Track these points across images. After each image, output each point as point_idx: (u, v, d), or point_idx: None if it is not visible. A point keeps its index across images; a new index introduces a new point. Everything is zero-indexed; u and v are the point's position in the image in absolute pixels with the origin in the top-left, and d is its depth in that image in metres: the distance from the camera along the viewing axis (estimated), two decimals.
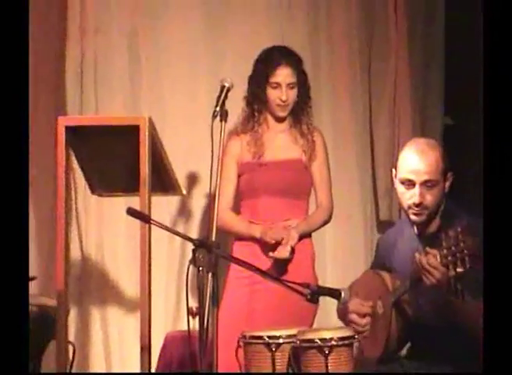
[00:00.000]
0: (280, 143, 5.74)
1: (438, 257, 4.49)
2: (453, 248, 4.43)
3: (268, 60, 5.70)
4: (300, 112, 5.74)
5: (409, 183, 4.84)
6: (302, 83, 5.71)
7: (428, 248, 4.61)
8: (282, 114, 5.71)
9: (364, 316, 4.91)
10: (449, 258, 4.45)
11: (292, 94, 5.68)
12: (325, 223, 5.75)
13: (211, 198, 5.08)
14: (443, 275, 4.51)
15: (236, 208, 5.76)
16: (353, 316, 4.95)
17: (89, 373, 5.02)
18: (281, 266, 5.56)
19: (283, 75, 5.65)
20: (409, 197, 4.84)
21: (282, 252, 5.54)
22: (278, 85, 5.66)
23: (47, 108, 6.60)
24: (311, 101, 5.77)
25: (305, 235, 5.67)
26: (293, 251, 5.56)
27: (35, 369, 5.88)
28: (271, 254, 5.55)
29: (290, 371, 4.76)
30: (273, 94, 5.67)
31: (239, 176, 5.74)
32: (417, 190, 4.82)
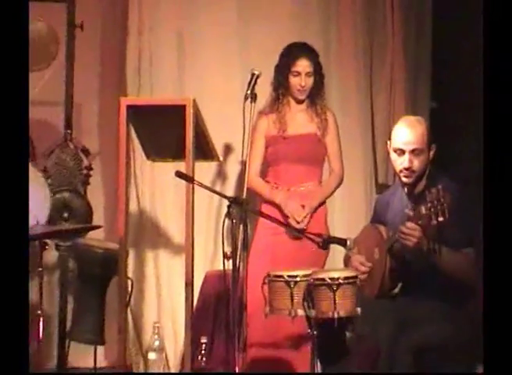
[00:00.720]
0: (299, 120, 5.77)
1: (423, 209, 4.52)
2: (435, 202, 4.49)
3: (290, 53, 5.72)
4: (315, 96, 5.77)
5: (400, 152, 4.88)
6: (317, 73, 5.74)
7: (408, 211, 4.64)
8: (301, 97, 5.72)
9: (362, 273, 4.90)
10: (432, 209, 4.50)
11: (309, 81, 5.69)
12: (338, 186, 5.80)
13: (243, 165, 5.07)
14: (421, 235, 4.57)
15: (264, 174, 5.76)
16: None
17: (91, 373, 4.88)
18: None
19: (302, 65, 5.66)
20: (400, 162, 4.88)
21: (298, 225, 5.61)
22: (298, 73, 5.67)
23: (112, 92, 6.59)
24: (324, 87, 5.78)
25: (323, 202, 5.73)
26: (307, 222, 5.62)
27: (101, 300, 5.90)
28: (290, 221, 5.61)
29: (305, 304, 4.76)
30: (294, 81, 5.68)
31: (266, 147, 5.77)
32: (406, 156, 4.86)
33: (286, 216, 5.62)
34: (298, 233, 5.09)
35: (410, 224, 4.63)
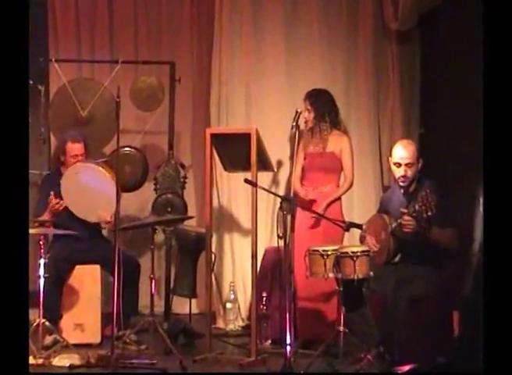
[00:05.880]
0: (323, 143, 5.60)
1: (417, 206, 4.53)
2: (425, 201, 4.49)
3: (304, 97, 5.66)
4: (333, 127, 5.60)
5: (398, 165, 4.89)
6: (319, 111, 5.57)
7: (403, 210, 4.64)
8: (307, 126, 5.61)
9: (373, 251, 4.88)
10: (423, 207, 4.50)
11: (309, 116, 5.55)
12: (349, 189, 5.62)
13: (290, 174, 5.06)
14: (415, 225, 4.58)
15: (302, 178, 5.68)
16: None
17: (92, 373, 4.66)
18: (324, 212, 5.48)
19: (305, 104, 5.55)
20: (398, 172, 4.90)
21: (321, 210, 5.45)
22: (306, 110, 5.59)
23: (200, 124, 6.62)
24: (337, 120, 5.64)
25: (336, 199, 5.58)
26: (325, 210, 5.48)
27: (194, 267, 5.96)
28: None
29: (334, 270, 4.77)
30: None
31: (304, 159, 5.68)
32: (402, 168, 4.87)
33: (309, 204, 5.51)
34: (330, 220, 5.06)
35: (407, 217, 4.64)
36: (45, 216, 5.30)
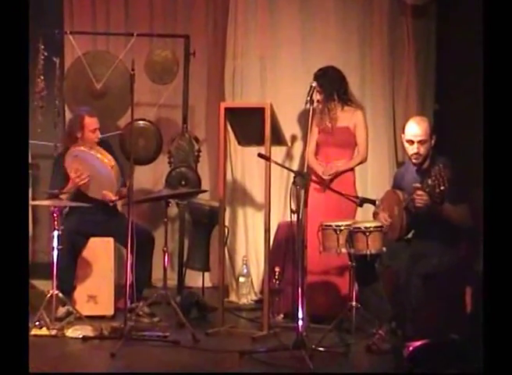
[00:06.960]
0: (337, 118, 5.60)
1: (429, 181, 4.50)
2: (438, 176, 4.46)
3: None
4: (345, 102, 5.61)
5: (411, 142, 4.86)
6: (327, 89, 5.56)
7: (416, 185, 4.62)
8: (320, 105, 5.62)
9: (385, 226, 4.85)
10: (436, 182, 4.46)
11: (319, 96, 5.53)
12: (361, 162, 5.62)
13: (304, 148, 5.04)
14: (428, 199, 4.56)
15: (316, 153, 5.68)
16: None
17: (93, 372, 4.40)
18: (336, 187, 5.45)
19: (314, 84, 5.29)
20: (411, 149, 4.86)
21: (326, 176, 5.49)
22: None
23: (214, 98, 6.60)
24: (347, 95, 5.63)
25: (348, 170, 5.57)
26: (333, 177, 5.50)
27: (208, 241, 5.94)
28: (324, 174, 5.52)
29: (347, 245, 4.76)
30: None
31: (318, 134, 5.67)
32: (415, 145, 4.83)
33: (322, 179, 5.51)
34: (344, 196, 5.03)
35: (419, 191, 4.61)
36: (66, 190, 5.31)
